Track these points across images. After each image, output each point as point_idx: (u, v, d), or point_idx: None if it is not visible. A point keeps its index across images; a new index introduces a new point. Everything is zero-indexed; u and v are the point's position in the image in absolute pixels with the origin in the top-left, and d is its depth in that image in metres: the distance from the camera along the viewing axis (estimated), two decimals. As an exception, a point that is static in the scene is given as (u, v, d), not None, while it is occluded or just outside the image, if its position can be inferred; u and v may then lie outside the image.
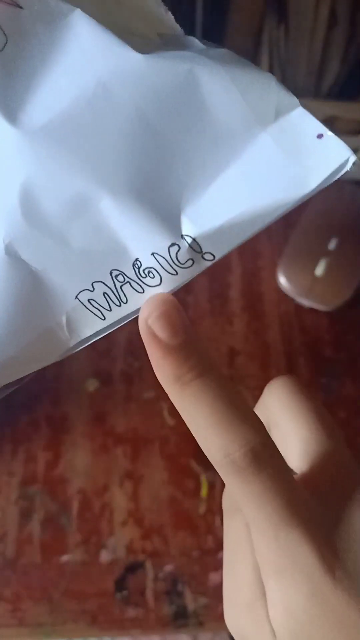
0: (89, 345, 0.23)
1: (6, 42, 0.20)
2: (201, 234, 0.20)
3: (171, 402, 0.20)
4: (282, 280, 0.47)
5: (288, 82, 0.43)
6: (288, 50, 0.43)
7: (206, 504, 0.39)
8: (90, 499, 0.40)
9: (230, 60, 0.21)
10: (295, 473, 0.22)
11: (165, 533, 0.39)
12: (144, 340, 0.20)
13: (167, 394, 0.20)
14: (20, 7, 0.20)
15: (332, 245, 0.48)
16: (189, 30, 0.38)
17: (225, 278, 0.49)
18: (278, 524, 0.19)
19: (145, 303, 0.20)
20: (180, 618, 0.37)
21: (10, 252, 0.20)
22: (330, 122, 0.44)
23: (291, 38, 0.43)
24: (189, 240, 0.20)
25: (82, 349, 0.23)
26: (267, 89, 0.20)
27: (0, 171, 0.19)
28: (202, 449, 0.20)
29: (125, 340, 0.45)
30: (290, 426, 0.23)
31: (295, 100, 0.20)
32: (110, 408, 0.43)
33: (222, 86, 0.20)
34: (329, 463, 0.22)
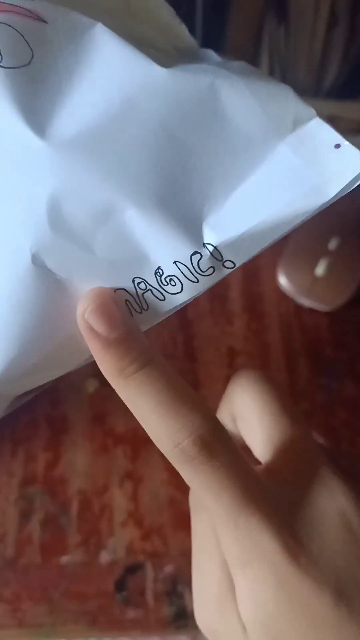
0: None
1: (32, 57, 0.20)
2: (222, 242, 0.20)
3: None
4: (282, 280, 0.47)
5: (288, 82, 0.43)
6: (288, 50, 0.43)
7: (206, 505, 0.39)
8: (90, 500, 0.40)
9: (248, 72, 0.22)
10: (260, 463, 0.22)
11: (165, 534, 0.39)
12: (83, 335, 0.20)
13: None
14: (45, 22, 0.20)
15: (332, 245, 0.48)
16: (189, 30, 0.38)
17: (225, 278, 0.48)
18: (236, 512, 0.19)
19: (82, 297, 0.20)
20: (180, 619, 0.37)
21: (36, 261, 0.20)
22: (330, 122, 0.44)
23: (291, 38, 0.43)
24: (211, 248, 0.20)
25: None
26: (284, 100, 0.21)
27: (28, 182, 0.20)
28: (154, 442, 0.20)
29: (125, 340, 0.45)
30: (255, 416, 0.23)
31: (312, 111, 0.21)
32: (110, 408, 0.43)
33: (241, 99, 0.20)
34: (290, 450, 0.22)
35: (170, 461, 0.19)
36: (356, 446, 0.42)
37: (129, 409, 0.20)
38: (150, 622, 0.37)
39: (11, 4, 0.19)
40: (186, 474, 0.19)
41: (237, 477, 0.19)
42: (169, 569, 0.38)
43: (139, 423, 0.20)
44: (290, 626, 0.18)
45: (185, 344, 0.46)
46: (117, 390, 0.20)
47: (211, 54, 0.23)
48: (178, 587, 0.38)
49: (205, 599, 0.21)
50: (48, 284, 0.20)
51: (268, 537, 0.18)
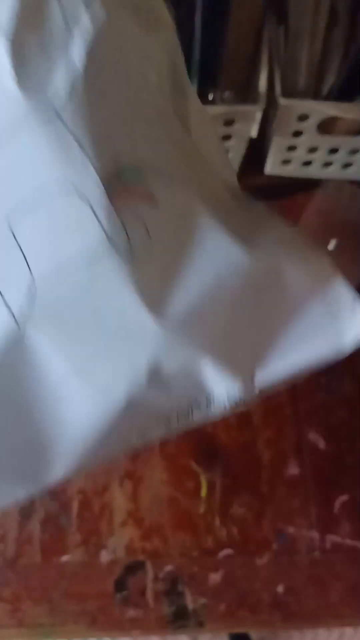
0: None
1: (152, 246, 0.22)
2: (263, 385, 0.25)
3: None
4: (282, 280, 0.47)
5: (288, 82, 0.43)
6: (288, 50, 0.43)
7: (206, 504, 0.39)
8: (90, 499, 0.40)
9: (300, 240, 0.27)
10: None
11: (165, 533, 0.39)
12: None
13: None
14: (157, 207, 0.22)
15: (332, 245, 0.48)
16: (189, 30, 0.38)
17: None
18: None
19: None
20: (180, 618, 0.37)
21: (129, 404, 0.23)
22: (330, 122, 0.44)
23: (291, 38, 0.43)
24: (256, 390, 0.25)
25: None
26: (322, 265, 0.26)
27: (132, 343, 0.22)
28: None
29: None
30: None
31: (338, 273, 0.26)
32: (110, 408, 0.43)
33: (298, 273, 0.25)
34: None
35: None
36: (356, 446, 0.42)
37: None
38: (150, 622, 0.37)
39: (134, 186, 0.22)
40: None
41: None
42: (168, 568, 0.38)
43: (139, 423, 0.20)
44: None
45: (185, 344, 0.46)
46: None
47: (255, 202, 0.28)
48: (178, 586, 0.38)
49: None
50: (132, 420, 0.24)
51: None
